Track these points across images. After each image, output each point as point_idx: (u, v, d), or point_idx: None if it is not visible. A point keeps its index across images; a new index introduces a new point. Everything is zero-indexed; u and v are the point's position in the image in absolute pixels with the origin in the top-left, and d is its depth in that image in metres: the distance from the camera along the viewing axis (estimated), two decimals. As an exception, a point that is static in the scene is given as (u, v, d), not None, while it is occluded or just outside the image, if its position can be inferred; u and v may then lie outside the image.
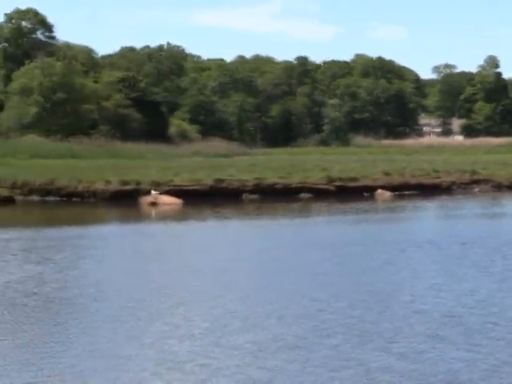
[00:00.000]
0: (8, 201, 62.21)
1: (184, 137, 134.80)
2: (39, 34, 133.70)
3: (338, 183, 70.72)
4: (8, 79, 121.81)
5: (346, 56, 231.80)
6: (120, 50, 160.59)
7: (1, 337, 21.60)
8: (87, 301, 26.37)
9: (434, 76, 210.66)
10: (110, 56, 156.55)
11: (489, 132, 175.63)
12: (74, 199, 64.12)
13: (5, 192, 63.08)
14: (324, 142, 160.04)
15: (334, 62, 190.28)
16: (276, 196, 66.68)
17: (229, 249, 40.96)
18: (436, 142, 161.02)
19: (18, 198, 63.70)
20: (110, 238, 45.64)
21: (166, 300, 26.46)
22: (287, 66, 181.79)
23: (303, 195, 68.01)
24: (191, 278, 31.17)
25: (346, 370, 18.34)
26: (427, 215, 60.89)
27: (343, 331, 21.88)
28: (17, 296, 26.94)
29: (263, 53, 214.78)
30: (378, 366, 18.60)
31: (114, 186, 65.72)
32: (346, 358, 19.29)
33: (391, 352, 19.85)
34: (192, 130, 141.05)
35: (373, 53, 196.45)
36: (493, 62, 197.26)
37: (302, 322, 22.98)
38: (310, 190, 68.97)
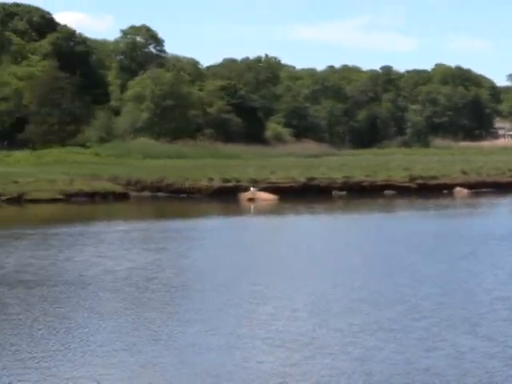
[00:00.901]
0: (123, 196, 62.88)
1: (279, 139, 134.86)
2: (151, 48, 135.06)
3: (419, 181, 70.09)
4: (123, 88, 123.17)
5: (427, 65, 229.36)
6: (222, 61, 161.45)
7: (126, 316, 21.81)
8: (200, 285, 26.48)
9: (508, 83, 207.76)
10: (213, 67, 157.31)
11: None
12: (181, 195, 64.43)
13: (120, 189, 63.78)
14: (406, 144, 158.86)
15: (415, 71, 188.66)
16: (362, 193, 66.36)
17: (322, 240, 40.71)
18: (510, 144, 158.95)
19: (132, 194, 64.05)
20: (213, 229, 46.10)
21: (270, 286, 26.41)
22: (373, 75, 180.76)
23: (387, 192, 67.51)
24: (290, 267, 31.11)
25: (438, 350, 18.21)
26: (503, 211, 60.09)
27: (433, 315, 21.71)
28: (139, 280, 27.29)
29: (351, 63, 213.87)
30: (467, 348, 18.42)
31: (217, 183, 66.03)
32: (438, 339, 19.15)
33: (478, 335, 19.61)
34: (286, 132, 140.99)
35: (451, 62, 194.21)
36: None
37: (394, 307, 22.82)
38: (393, 187, 68.47)
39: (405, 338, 19.23)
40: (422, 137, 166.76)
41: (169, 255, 34.35)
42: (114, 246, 37.17)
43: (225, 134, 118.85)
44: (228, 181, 66.27)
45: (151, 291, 25.41)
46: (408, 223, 49.30)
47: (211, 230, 45.33)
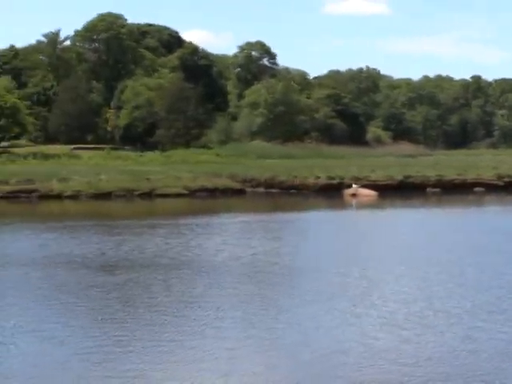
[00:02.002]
0: (240, 192, 63.13)
1: (378, 141, 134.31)
2: (265, 61, 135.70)
3: (506, 179, 68.80)
4: (241, 96, 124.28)
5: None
6: (328, 72, 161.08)
7: (252, 297, 21.98)
8: (316, 270, 26.42)
9: None
10: (319, 77, 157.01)
11: None
12: (291, 191, 64.32)
13: (238, 185, 64.01)
14: (494, 145, 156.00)
15: (503, 80, 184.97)
16: (454, 190, 65.29)
17: (422, 231, 40.28)
18: None
19: (248, 190, 64.17)
20: (321, 221, 46.03)
21: (379, 271, 26.29)
22: (464, 84, 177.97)
23: (477, 189, 66.42)
24: (396, 254, 30.96)
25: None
26: None
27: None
28: (262, 265, 27.44)
29: (444, 73, 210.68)
30: None
31: (323, 180, 65.91)
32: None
33: None
34: (385, 135, 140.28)
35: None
36: None
37: (493, 291, 22.51)
38: (482, 184, 67.29)
39: (505, 320, 18.91)
40: (508, 139, 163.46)
41: (285, 243, 34.51)
42: (236, 235, 37.76)
43: (330, 136, 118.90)
44: (333, 178, 66.08)
45: (273, 275, 25.53)
46: (499, 216, 48.69)
47: (319, 222, 45.36)
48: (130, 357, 15.86)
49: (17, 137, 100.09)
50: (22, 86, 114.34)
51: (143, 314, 19.71)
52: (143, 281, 24.06)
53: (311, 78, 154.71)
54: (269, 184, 65.64)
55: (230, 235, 37.44)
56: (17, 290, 22.99)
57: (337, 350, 16.37)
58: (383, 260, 29.41)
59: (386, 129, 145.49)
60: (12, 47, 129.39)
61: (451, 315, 19.49)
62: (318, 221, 46.24)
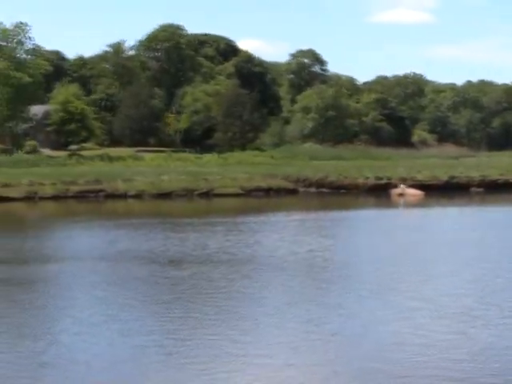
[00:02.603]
0: (293, 192, 63.07)
1: (424, 143, 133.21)
2: (316, 68, 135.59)
3: (547, 178, 67.82)
4: (293, 101, 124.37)
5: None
6: (375, 78, 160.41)
7: (310, 291, 21.96)
8: (370, 265, 26.31)
9: None
10: (367, 82, 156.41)
11: None
12: (341, 191, 63.99)
13: (291, 185, 63.88)
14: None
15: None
16: (498, 189, 64.45)
17: (469, 228, 39.79)
18: None
19: (301, 189, 64.07)
20: (370, 219, 45.88)
21: (431, 267, 26.02)
22: (506, 88, 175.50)
23: (519, 188, 65.68)
24: (446, 250, 30.69)
25: None
26: None
27: None
28: (318, 261, 27.44)
29: (487, 78, 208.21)
30: None
31: (371, 180, 65.51)
32: None
33: None
34: (430, 137, 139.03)
35: None
36: None
37: None
38: (526, 183, 66.56)
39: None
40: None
41: (339, 240, 34.50)
42: (292, 232, 37.73)
43: (378, 139, 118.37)
44: (381, 179, 65.68)
45: (329, 270, 25.51)
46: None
47: (369, 220, 45.18)
48: (195, 349, 15.91)
49: (85, 140, 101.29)
50: (89, 93, 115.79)
51: (208, 306, 19.78)
52: (207, 275, 24.16)
53: (360, 83, 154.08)
54: (320, 184, 65.39)
55: (286, 232, 37.38)
56: (91, 283, 23.24)
57: (393, 343, 16.29)
58: (434, 256, 29.15)
59: (431, 131, 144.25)
60: (80, 57, 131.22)
61: (503, 309, 19.25)
62: (368, 219, 46.08)
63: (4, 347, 16.07)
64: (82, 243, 33.06)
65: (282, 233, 37.03)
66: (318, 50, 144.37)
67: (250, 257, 28.24)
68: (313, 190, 64.77)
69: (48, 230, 39.06)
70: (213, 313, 19.00)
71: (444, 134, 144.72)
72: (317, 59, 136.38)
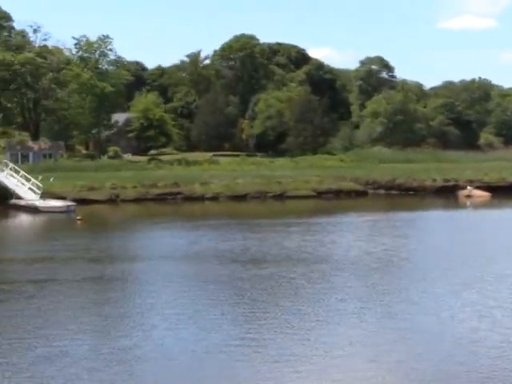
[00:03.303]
0: (363, 194, 62.93)
1: (490, 146, 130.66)
2: (384, 74, 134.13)
3: None
4: (362, 107, 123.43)
5: None
6: (442, 83, 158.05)
7: (385, 287, 21.73)
8: (446, 264, 25.97)
9: None
10: (434, 88, 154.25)
11: None
12: (409, 192, 63.57)
13: (360, 187, 63.68)
14: None
15: None
16: None
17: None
18: None
19: (370, 191, 63.97)
20: (440, 220, 45.49)
21: (505, 265, 25.59)
22: None
23: None
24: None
25: None
26: None
27: None
28: (393, 260, 27.28)
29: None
30: None
31: (439, 182, 64.80)
32: None
33: None
34: (496, 140, 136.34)
35: None
36: None
37: None
38: None
39: None
40: None
41: (411, 240, 34.08)
42: (366, 232, 37.47)
43: (445, 142, 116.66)
44: (448, 181, 64.92)
45: (405, 269, 25.24)
46: None
47: (439, 220, 44.72)
48: (279, 343, 15.94)
49: (164, 146, 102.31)
50: (167, 100, 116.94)
51: (289, 306, 19.74)
52: (286, 274, 24.09)
53: (427, 88, 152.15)
54: (389, 186, 65.08)
55: (359, 233, 37.24)
56: (176, 281, 23.40)
57: (472, 340, 16.12)
58: (504, 255, 28.65)
59: (497, 134, 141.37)
60: (159, 67, 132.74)
61: None
62: (437, 219, 45.58)
63: (98, 342, 16.30)
64: (165, 243, 33.30)
65: (356, 233, 36.96)
66: (386, 57, 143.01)
67: (327, 256, 28.12)
68: (382, 191, 64.48)
69: (131, 231, 39.53)
70: (293, 312, 18.93)
71: (510, 136, 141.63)
72: (385, 65, 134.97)
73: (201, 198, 58.31)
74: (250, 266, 26.04)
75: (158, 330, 17.21)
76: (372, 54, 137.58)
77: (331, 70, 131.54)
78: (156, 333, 16.93)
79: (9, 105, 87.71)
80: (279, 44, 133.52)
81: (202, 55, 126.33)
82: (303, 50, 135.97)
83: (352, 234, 36.34)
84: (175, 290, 21.92)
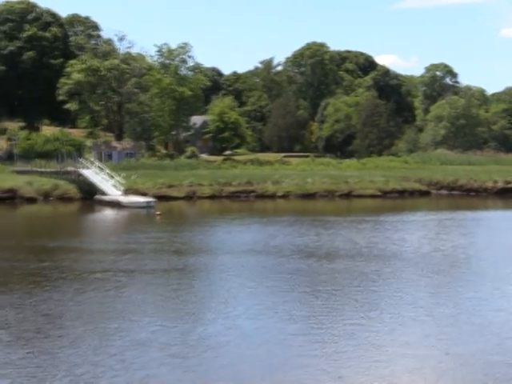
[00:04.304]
0: (426, 194, 62.21)
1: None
2: (447, 80, 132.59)
3: None
4: (426, 111, 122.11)
5: None
6: (505, 89, 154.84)
7: (455, 282, 21.33)
8: (509, 262, 25.25)
9: None
10: (497, 93, 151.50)
11: None
12: (471, 193, 62.68)
13: (424, 188, 62.91)
14: None
15: None
16: None
17: None
18: None
19: (433, 191, 63.27)
20: (504, 219, 44.37)
21: None
22: None
23: None
24: None
25: None
26: None
27: None
28: (462, 257, 26.61)
29: None
30: None
31: (500, 184, 63.64)
32: None
33: None
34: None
35: None
36: None
37: None
38: None
39: None
40: None
41: (477, 238, 33.46)
42: (433, 230, 36.71)
43: (506, 145, 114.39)
44: (509, 182, 63.64)
45: (474, 266, 24.64)
46: None
47: (502, 220, 43.63)
48: (355, 334, 15.71)
49: (237, 147, 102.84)
50: (242, 104, 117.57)
51: (363, 297, 19.58)
52: (360, 269, 23.83)
53: (489, 94, 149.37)
54: (451, 187, 64.29)
55: (426, 230, 36.51)
56: (256, 273, 23.38)
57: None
58: None
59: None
60: (234, 73, 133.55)
61: None
62: (501, 219, 44.55)
63: (184, 330, 16.27)
64: (243, 237, 33.30)
65: (423, 231, 36.27)
66: (450, 64, 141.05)
67: (397, 252, 27.64)
68: (444, 192, 63.67)
69: (209, 225, 39.66)
70: (367, 305, 18.72)
71: None
72: (448, 72, 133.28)
73: (272, 196, 58.34)
74: (325, 260, 25.80)
75: (240, 319, 17.13)
76: (436, 61, 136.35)
77: (397, 76, 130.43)
78: (238, 322, 16.85)
79: (96, 108, 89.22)
80: (348, 51, 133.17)
81: (275, 62, 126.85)
82: (370, 57, 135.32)
83: (420, 231, 35.69)
84: (255, 282, 21.81)
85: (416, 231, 35.75)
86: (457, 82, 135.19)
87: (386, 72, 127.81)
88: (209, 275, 23.20)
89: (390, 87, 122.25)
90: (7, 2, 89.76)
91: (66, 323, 16.69)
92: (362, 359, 14.02)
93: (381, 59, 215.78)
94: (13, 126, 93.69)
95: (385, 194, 59.95)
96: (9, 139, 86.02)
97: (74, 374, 13.10)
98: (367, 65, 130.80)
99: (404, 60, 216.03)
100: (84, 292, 20.07)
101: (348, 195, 58.99)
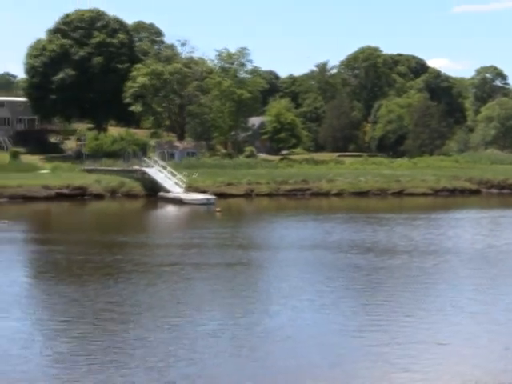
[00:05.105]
0: (476, 192, 61.33)
1: None
2: (497, 82, 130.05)
3: None
4: (477, 112, 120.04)
5: None
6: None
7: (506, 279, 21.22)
8: None
9: None
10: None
11: None
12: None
13: (474, 186, 62.02)
14: None
15: None
16: None
17: None
18: None
19: (483, 190, 62.30)
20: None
21: None
22: None
23: None
24: None
25: None
26: None
27: None
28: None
29: None
30: None
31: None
32: None
33: None
34: None
35: None
36: None
37: None
38: None
39: None
40: None
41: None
42: (486, 227, 36.05)
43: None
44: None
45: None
46: None
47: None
48: (414, 329, 15.43)
49: (294, 146, 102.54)
50: (298, 106, 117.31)
51: (422, 292, 19.24)
52: (417, 264, 23.48)
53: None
54: (501, 186, 63.32)
55: (480, 227, 35.88)
56: (316, 268, 23.18)
57: None
58: None
59: None
60: (291, 76, 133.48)
61: None
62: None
63: (251, 321, 16.24)
64: (301, 233, 33.16)
65: (477, 228, 35.66)
66: (500, 66, 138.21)
67: (453, 248, 27.20)
68: (494, 191, 62.72)
69: (268, 222, 39.67)
70: (427, 300, 18.37)
71: None
72: (498, 74, 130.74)
73: (327, 194, 58.14)
74: (383, 255, 25.50)
75: (304, 311, 17.04)
76: (486, 64, 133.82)
77: (448, 79, 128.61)
78: (303, 314, 16.76)
79: (159, 109, 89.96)
80: (400, 55, 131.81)
81: (329, 65, 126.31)
82: (422, 60, 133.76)
83: (473, 228, 35.13)
84: (317, 276, 21.69)
85: (469, 228, 35.19)
86: (507, 84, 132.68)
87: (438, 74, 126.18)
88: (272, 269, 23.16)
89: (441, 89, 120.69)
90: (78, 10, 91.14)
91: (139, 314, 16.78)
92: (426, 353, 13.75)
93: (432, 62, 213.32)
94: (82, 127, 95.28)
95: (436, 193, 59.20)
96: (78, 139, 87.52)
97: (147, 364, 13.15)
98: (419, 68, 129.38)
99: (455, 63, 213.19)
100: (155, 284, 20.22)
101: (400, 193, 58.47)
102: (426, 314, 16.65)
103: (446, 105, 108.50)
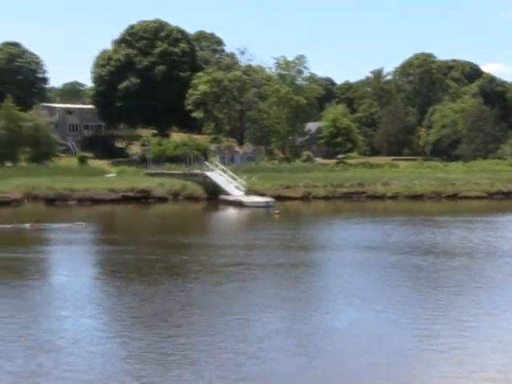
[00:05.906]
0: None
1: None
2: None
3: None
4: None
5: None
6: None
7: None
8: None
9: None
10: None
11: None
12: None
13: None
14: None
15: None
16: None
17: None
18: None
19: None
20: None
21: None
22: None
23: None
24: None
25: None
26: None
27: None
28: None
29: None
30: None
31: None
32: None
33: None
34: None
35: None
36: None
37: None
38: None
39: None
40: None
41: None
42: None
43: None
44: None
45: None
46: None
47: None
48: (470, 333, 15.22)
49: (349, 151, 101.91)
50: (353, 111, 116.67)
51: (483, 294, 18.85)
52: (478, 266, 23.13)
53: None
54: None
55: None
56: (377, 269, 22.92)
57: None
58: None
59: None
60: (346, 82, 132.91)
61: None
62: None
63: (314, 321, 16.13)
64: (360, 235, 32.85)
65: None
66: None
67: (509, 251, 26.54)
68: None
69: (326, 224, 39.48)
70: (488, 303, 17.94)
71: None
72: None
73: (382, 197, 57.59)
74: (443, 257, 25.07)
75: (366, 312, 16.86)
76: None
77: (502, 84, 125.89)
78: (364, 315, 16.60)
79: (219, 115, 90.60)
80: (454, 61, 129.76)
81: (384, 72, 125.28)
82: (476, 65, 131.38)
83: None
84: (379, 277, 21.46)
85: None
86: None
87: (492, 79, 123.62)
88: (334, 270, 23.03)
89: (495, 94, 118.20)
90: (142, 21, 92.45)
91: (208, 313, 16.82)
92: (490, 358, 13.45)
93: (486, 67, 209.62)
94: (146, 133, 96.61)
95: (490, 196, 58.06)
96: (143, 145, 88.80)
97: (218, 361, 13.17)
98: (473, 73, 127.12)
99: (509, 68, 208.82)
100: (221, 284, 20.30)
101: (454, 196, 57.52)
102: (490, 318, 16.33)
103: (500, 109, 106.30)
